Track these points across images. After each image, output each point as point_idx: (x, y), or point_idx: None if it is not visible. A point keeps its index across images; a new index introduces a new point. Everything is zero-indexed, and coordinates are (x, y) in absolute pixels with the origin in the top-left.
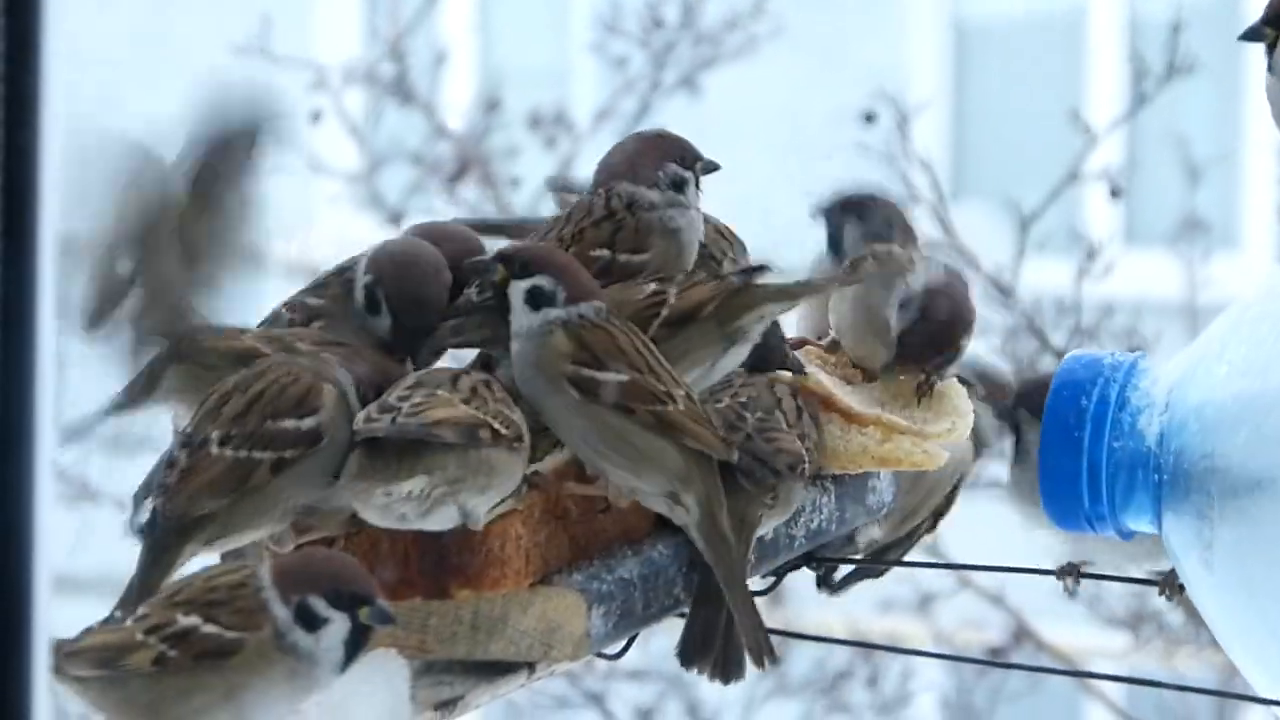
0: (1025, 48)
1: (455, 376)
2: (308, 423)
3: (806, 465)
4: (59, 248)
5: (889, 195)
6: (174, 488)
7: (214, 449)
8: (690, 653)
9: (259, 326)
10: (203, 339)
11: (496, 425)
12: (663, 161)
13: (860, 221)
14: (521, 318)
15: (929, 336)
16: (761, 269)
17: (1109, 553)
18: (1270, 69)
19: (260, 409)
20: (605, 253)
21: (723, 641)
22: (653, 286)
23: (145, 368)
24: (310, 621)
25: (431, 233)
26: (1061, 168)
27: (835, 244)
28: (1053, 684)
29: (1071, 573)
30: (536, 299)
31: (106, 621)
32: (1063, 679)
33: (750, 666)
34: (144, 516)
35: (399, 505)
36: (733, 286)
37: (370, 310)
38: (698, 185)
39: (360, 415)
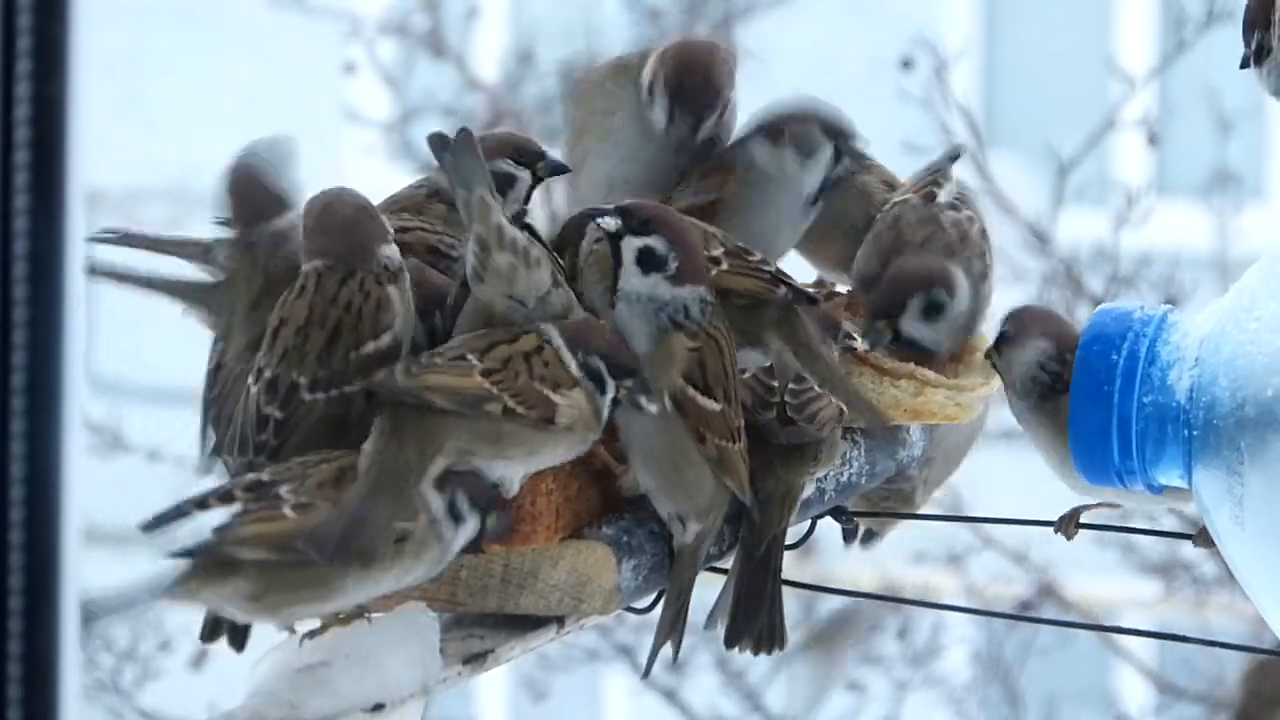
0: None
1: (493, 343)
2: (385, 340)
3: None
4: (87, 200)
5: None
6: (274, 447)
7: (305, 394)
8: (735, 633)
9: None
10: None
11: (511, 403)
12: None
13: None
14: (631, 277)
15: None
16: (836, 294)
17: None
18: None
19: (343, 342)
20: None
21: (766, 615)
22: (717, 252)
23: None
24: (457, 517)
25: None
26: (1094, 116)
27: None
28: (1083, 637)
29: (1072, 520)
30: (647, 261)
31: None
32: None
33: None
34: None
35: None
36: (779, 298)
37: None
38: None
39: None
